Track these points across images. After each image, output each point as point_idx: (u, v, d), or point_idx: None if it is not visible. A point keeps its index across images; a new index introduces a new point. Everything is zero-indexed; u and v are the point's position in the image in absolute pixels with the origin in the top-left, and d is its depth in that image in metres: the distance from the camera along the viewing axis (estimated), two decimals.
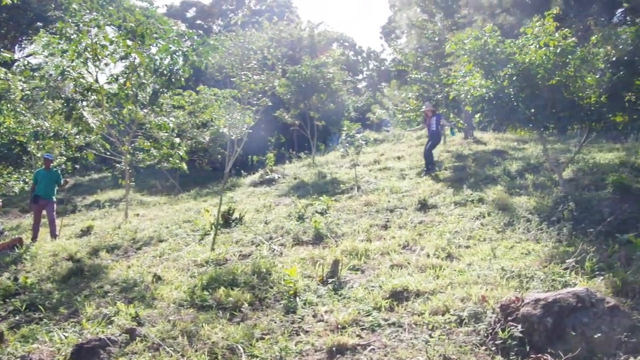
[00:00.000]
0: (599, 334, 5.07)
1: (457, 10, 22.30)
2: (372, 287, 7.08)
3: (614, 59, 10.39)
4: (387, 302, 6.50)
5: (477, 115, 11.17)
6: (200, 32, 10.85)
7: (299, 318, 6.33)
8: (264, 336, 5.87)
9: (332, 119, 23.53)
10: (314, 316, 6.38)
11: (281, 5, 52.82)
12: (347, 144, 14.78)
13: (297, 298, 6.86)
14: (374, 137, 24.94)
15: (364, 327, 5.97)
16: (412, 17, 23.75)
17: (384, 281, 7.16)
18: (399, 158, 18.19)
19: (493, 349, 5.28)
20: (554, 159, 13.64)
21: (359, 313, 6.26)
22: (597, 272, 6.78)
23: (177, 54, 11.57)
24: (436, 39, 19.93)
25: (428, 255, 8.22)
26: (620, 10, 38.44)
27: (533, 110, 10.12)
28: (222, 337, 5.84)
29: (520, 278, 6.91)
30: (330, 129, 24.78)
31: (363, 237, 9.51)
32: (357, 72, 49.60)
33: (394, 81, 35.05)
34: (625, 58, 10.29)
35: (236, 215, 11.63)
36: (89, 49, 11.96)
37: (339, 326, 5.96)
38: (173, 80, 12.08)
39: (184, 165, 15.18)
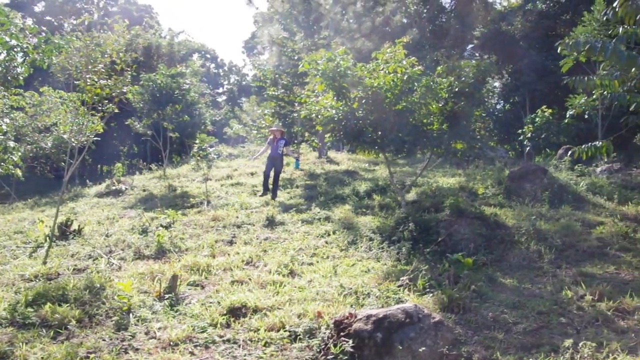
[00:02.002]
0: (424, 348, 5.29)
1: (318, 32, 22.83)
2: (211, 303, 6.90)
3: (456, 89, 11.07)
4: (224, 319, 6.35)
5: (327, 136, 11.38)
6: (44, 28, 9.98)
7: (130, 335, 5.99)
8: (89, 355, 5.47)
9: (187, 132, 22.95)
10: (146, 333, 6.06)
11: (141, 9, 51.14)
12: (199, 158, 14.39)
13: (131, 314, 6.49)
14: (228, 152, 24.72)
15: (197, 344, 5.77)
16: (273, 34, 23.95)
17: (223, 297, 7.00)
18: (252, 174, 18.12)
19: None
20: (400, 181, 14.26)
21: (193, 329, 6.05)
22: (428, 290, 7.15)
23: (16, 49, 10.66)
24: (295, 57, 20.21)
25: (270, 272, 8.18)
26: (470, 45, 41.72)
27: (380, 133, 10.48)
28: (42, 357, 5.36)
29: (357, 295, 7.07)
30: (185, 142, 24.18)
31: (207, 253, 9.27)
32: (218, 85, 49.16)
33: (254, 97, 35.13)
34: (467, 90, 11.00)
35: (75, 226, 10.88)
36: None
37: (172, 343, 5.72)
38: (9, 78, 11.09)
39: (19, 172, 13.95)
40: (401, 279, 7.48)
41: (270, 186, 13.96)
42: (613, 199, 12.74)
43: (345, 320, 5.75)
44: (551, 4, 34.64)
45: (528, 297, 7.27)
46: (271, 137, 14.45)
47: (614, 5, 8.68)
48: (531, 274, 8.42)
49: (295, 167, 14.07)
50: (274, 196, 13.65)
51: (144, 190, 16.12)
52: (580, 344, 5.37)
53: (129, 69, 10.63)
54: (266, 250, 9.48)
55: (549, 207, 11.71)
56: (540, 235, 9.84)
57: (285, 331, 5.96)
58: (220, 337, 5.91)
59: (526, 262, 8.93)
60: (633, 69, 8.69)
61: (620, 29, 8.97)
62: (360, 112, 10.47)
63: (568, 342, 5.43)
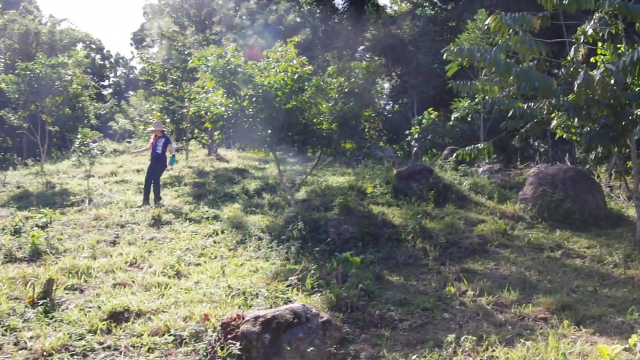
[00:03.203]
0: (312, 348, 5.28)
1: (210, 27, 22.43)
2: (90, 308, 6.50)
3: (346, 90, 11.21)
4: (104, 324, 6.01)
5: (216, 133, 11.17)
6: None
7: None
8: None
9: (68, 125, 21.71)
10: (16, 344, 5.59)
11: None
12: (80, 153, 13.61)
13: None
14: (113, 148, 23.71)
15: (74, 352, 5.41)
16: (163, 27, 23.23)
17: (104, 301, 6.61)
18: (138, 171, 17.45)
19: None
20: (291, 180, 14.27)
21: (70, 337, 5.66)
22: (317, 289, 7.15)
23: None
24: (185, 52, 19.71)
25: (155, 273, 7.87)
26: (361, 47, 42.64)
27: (270, 132, 10.42)
28: None
29: (245, 295, 6.96)
30: (67, 136, 22.89)
31: (87, 254, 8.75)
32: (103, 78, 47.13)
33: (141, 91, 34.01)
34: (356, 90, 11.18)
35: None
36: None
37: (45, 353, 5.32)
38: None
39: None
40: (290, 278, 7.45)
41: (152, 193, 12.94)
42: (493, 198, 13.43)
43: (233, 322, 5.64)
44: (439, 11, 36.17)
45: (414, 294, 7.47)
46: (152, 136, 13.59)
47: (489, 19, 9.14)
48: (417, 271, 8.69)
49: (170, 164, 13.03)
50: (157, 199, 12.71)
51: (18, 187, 15.03)
52: (462, 338, 5.56)
53: (1, 56, 9.90)
54: (151, 251, 9.12)
55: (434, 206, 12.15)
56: (425, 233, 10.19)
57: (170, 335, 5.73)
58: (100, 344, 5.58)
59: (412, 259, 9.20)
60: (510, 77, 9.17)
61: (499, 38, 9.46)
62: (250, 110, 10.36)
63: (451, 337, 5.61)
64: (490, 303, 7.02)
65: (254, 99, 10.31)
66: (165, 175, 15.52)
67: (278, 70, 10.50)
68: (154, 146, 13.24)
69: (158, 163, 13.16)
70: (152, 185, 12.89)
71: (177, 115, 19.14)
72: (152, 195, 12.70)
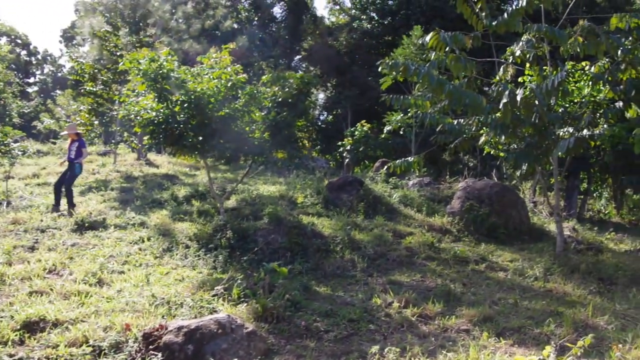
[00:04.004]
0: (236, 359, 5.24)
1: (144, 29, 21.99)
2: (2, 317, 6.17)
3: (280, 99, 11.20)
4: (17, 335, 5.73)
5: (146, 138, 10.92)
6: None
7: None
8: None
9: None
10: None
11: None
12: (0, 153, 12.98)
13: None
14: (37, 149, 22.82)
15: None
16: (95, 26, 22.57)
17: (18, 310, 6.31)
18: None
19: None
20: (221, 187, 14.13)
21: None
22: (243, 299, 7.10)
23: None
24: (118, 53, 19.23)
25: (76, 281, 7.59)
26: (298, 56, 42.85)
27: (201, 139, 10.27)
28: None
29: (169, 305, 6.82)
30: None
31: (2, 260, 8.36)
32: (29, 75, 45.32)
33: (70, 90, 32.91)
34: (290, 100, 11.18)
35: None
36: None
37: None
38: None
39: None
40: (216, 288, 7.35)
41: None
42: (422, 210, 13.67)
43: (155, 332, 5.53)
44: (375, 25, 36.74)
45: (340, 305, 7.51)
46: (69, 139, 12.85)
47: (428, 36, 9.37)
48: (344, 282, 8.74)
49: (77, 172, 12.15)
50: (70, 206, 11.99)
51: None
52: (386, 350, 5.64)
53: None
54: (73, 258, 8.78)
55: (364, 218, 12.27)
56: (354, 244, 10.27)
57: (88, 346, 5.52)
58: (11, 356, 5.30)
59: (340, 270, 9.25)
60: (442, 93, 9.41)
61: (433, 54, 9.70)
62: (181, 116, 10.17)
63: (375, 349, 5.67)
64: (415, 315, 7.15)
65: (185, 105, 10.13)
66: (91, 179, 15.08)
67: (212, 77, 10.37)
68: (69, 150, 12.67)
69: (71, 168, 12.56)
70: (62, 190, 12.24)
71: (107, 117, 18.64)
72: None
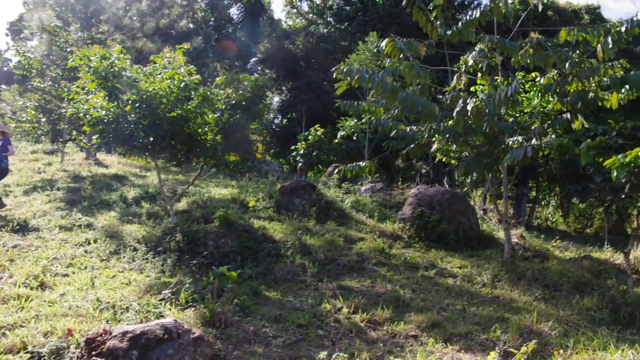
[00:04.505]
0: None
1: (96, 25, 21.53)
2: None
3: (233, 102, 11.10)
4: None
5: (94, 137, 10.66)
6: None
7: None
8: None
9: None
10: None
11: None
12: None
13: None
14: None
15: None
16: (45, 20, 21.95)
17: None
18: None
19: None
20: (172, 189, 13.91)
21: None
22: (191, 304, 6.98)
23: None
24: (68, 49, 18.76)
25: (16, 284, 7.32)
26: (254, 59, 42.66)
27: (152, 139, 10.09)
28: None
29: (115, 309, 6.65)
30: None
31: None
32: None
33: (16, 86, 31.91)
34: (244, 103, 11.10)
35: None
36: None
37: None
38: None
39: None
40: (164, 292, 7.22)
41: None
42: (374, 216, 13.76)
43: (99, 338, 5.38)
44: (332, 29, 36.95)
45: (290, 310, 7.48)
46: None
47: (383, 42, 9.45)
48: (294, 287, 8.71)
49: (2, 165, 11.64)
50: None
51: None
52: (334, 356, 5.65)
53: None
54: (14, 260, 8.47)
55: (315, 222, 12.28)
56: (305, 249, 10.25)
57: (26, 352, 5.32)
58: None
59: (290, 275, 9.21)
60: (396, 100, 9.50)
61: (388, 61, 9.78)
62: (132, 115, 9.97)
63: (323, 354, 5.67)
64: (364, 320, 7.17)
65: (137, 105, 9.93)
66: (36, 178, 14.66)
67: (164, 77, 10.22)
68: None
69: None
70: None
71: (54, 115, 18.15)
72: None
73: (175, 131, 10.27)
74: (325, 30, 37.39)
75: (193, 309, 6.79)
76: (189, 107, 10.30)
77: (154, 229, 10.42)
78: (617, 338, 6.72)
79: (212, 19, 40.58)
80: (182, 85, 10.20)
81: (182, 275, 8.10)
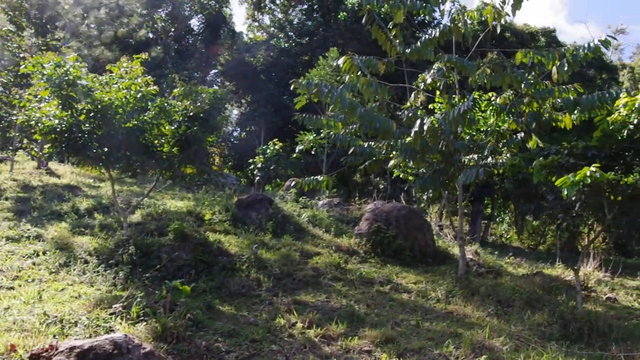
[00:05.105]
0: None
1: (51, 31, 21.12)
2: None
3: (191, 114, 10.99)
4: None
5: (47, 146, 10.39)
6: None
7: None
8: None
9: None
10: None
11: None
12: None
13: None
14: None
15: None
16: None
17: None
18: None
19: None
20: (126, 201, 13.66)
21: None
22: (142, 318, 6.87)
23: None
24: (20, 55, 18.33)
25: None
26: (214, 71, 42.47)
27: (106, 150, 9.90)
28: None
29: (62, 324, 6.51)
30: None
31: None
32: None
33: None
34: (202, 115, 11.00)
35: None
36: None
37: None
38: None
39: None
40: (114, 306, 7.08)
41: None
42: (330, 231, 13.78)
43: (44, 354, 5.24)
44: (293, 44, 37.07)
45: (244, 324, 7.42)
46: None
47: (340, 60, 9.54)
48: (249, 302, 8.65)
49: None
50: None
51: None
52: None
53: None
54: None
55: (271, 236, 12.21)
56: (260, 263, 10.20)
57: None
58: None
59: (245, 289, 9.14)
60: (354, 116, 9.57)
61: (347, 77, 9.86)
62: (87, 125, 9.77)
63: None
64: (319, 335, 7.16)
65: (91, 114, 9.73)
66: None
67: (121, 87, 10.06)
68: None
69: None
70: None
71: (5, 122, 17.66)
72: None
73: (130, 142, 10.09)
74: (286, 45, 37.50)
75: (144, 323, 6.68)
76: (145, 118, 10.16)
77: (107, 241, 10.20)
78: (565, 353, 6.88)
79: (173, 30, 40.26)
80: (138, 96, 10.07)
81: (134, 288, 7.95)
